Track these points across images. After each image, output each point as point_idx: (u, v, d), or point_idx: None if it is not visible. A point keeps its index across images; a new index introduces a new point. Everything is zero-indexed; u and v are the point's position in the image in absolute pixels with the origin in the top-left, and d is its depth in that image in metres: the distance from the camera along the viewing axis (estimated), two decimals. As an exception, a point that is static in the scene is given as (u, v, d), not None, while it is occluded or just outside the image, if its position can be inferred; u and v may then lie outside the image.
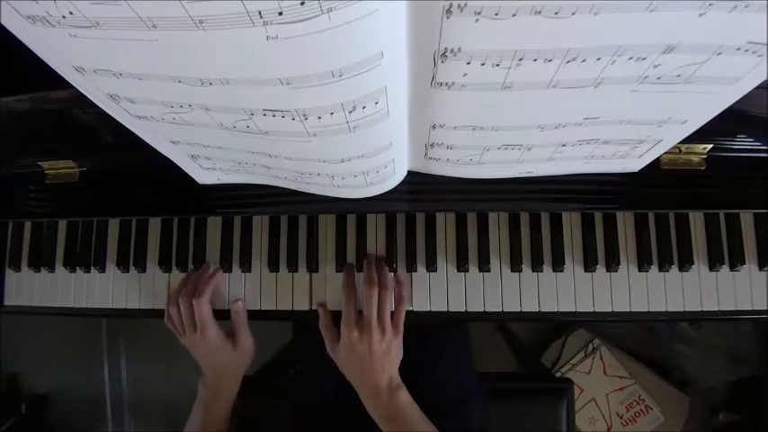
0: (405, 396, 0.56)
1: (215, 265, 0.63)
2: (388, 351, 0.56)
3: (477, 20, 0.26)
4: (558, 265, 0.59)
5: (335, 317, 0.60)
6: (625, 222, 0.60)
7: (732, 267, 0.58)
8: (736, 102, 0.35)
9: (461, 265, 0.60)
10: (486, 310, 0.60)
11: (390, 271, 0.61)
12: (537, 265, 0.59)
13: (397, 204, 0.53)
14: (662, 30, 0.28)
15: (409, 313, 0.59)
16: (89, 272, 0.66)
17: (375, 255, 0.62)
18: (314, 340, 0.65)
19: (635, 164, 0.50)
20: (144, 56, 0.29)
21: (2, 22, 0.27)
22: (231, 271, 0.64)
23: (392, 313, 0.57)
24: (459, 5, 0.26)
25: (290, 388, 0.74)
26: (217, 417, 0.60)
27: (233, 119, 0.36)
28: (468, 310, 0.60)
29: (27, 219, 0.67)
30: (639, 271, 0.59)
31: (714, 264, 0.58)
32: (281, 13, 0.24)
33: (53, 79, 0.32)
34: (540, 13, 0.26)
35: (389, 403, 0.55)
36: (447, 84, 0.33)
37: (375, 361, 0.55)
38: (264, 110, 0.34)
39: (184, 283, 0.61)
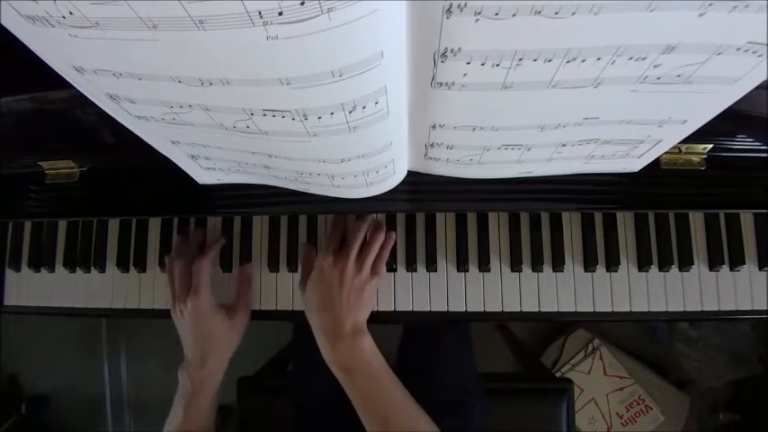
0: (369, 344, 0.50)
1: (216, 230, 0.60)
2: (359, 290, 0.51)
3: (477, 20, 0.26)
4: (558, 265, 0.59)
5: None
6: (625, 222, 0.60)
7: (732, 267, 0.58)
8: (736, 102, 0.35)
9: (461, 265, 0.60)
10: (486, 310, 0.60)
11: (390, 271, 0.61)
12: (537, 265, 0.59)
13: (397, 204, 0.53)
14: (662, 30, 0.28)
15: (410, 313, 0.59)
16: (89, 272, 0.66)
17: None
18: (314, 340, 0.65)
19: (635, 164, 0.50)
20: (144, 56, 0.29)
21: (2, 22, 0.27)
22: (231, 271, 0.64)
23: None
24: (459, 5, 0.26)
25: (289, 388, 0.74)
26: (199, 411, 0.54)
27: (233, 119, 0.36)
28: (468, 310, 0.60)
29: (27, 219, 0.67)
30: (639, 271, 0.59)
31: (714, 264, 0.58)
32: (281, 13, 0.24)
33: (53, 79, 0.32)
34: (540, 13, 0.26)
35: (351, 350, 0.49)
36: (447, 84, 0.33)
37: (342, 295, 0.50)
38: (264, 110, 0.34)
39: (179, 247, 0.58)
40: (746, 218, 0.59)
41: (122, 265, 0.65)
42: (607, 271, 0.59)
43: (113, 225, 0.66)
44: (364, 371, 0.49)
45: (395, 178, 0.50)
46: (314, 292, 0.53)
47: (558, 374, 1.22)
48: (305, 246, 0.59)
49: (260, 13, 0.24)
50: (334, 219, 0.57)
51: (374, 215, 0.58)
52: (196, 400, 0.54)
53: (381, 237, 0.55)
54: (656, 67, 0.31)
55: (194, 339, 0.55)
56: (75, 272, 0.67)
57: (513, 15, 0.26)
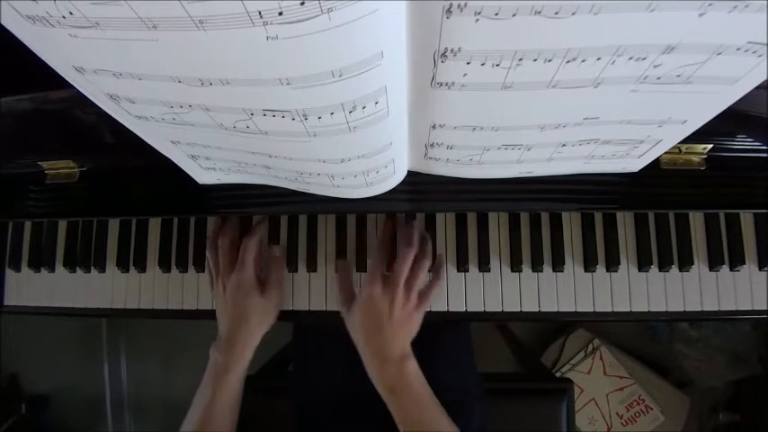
0: (413, 367, 0.53)
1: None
2: (407, 319, 0.53)
3: (477, 20, 0.26)
4: (558, 265, 0.59)
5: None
6: (625, 222, 0.60)
7: (732, 267, 0.58)
8: (736, 102, 0.35)
9: (461, 265, 0.60)
10: (486, 310, 0.60)
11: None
12: (537, 265, 0.59)
13: (397, 204, 0.53)
14: (662, 30, 0.28)
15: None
16: (89, 272, 0.66)
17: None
18: (314, 340, 0.65)
19: (635, 164, 0.50)
20: (144, 56, 0.29)
21: (2, 22, 0.27)
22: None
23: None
24: (459, 5, 0.26)
25: (291, 387, 0.74)
26: (230, 387, 0.55)
27: (233, 119, 0.36)
28: (468, 310, 0.60)
29: (27, 219, 0.67)
30: (639, 271, 0.59)
31: (714, 264, 0.58)
32: (281, 13, 0.24)
33: (53, 79, 0.32)
34: (540, 13, 0.26)
35: (397, 373, 0.52)
36: (447, 84, 0.33)
37: (392, 324, 0.52)
38: (264, 110, 0.34)
39: (220, 226, 0.60)
40: (746, 218, 0.59)
41: (122, 265, 0.65)
42: (607, 271, 0.59)
43: (113, 225, 0.66)
44: (409, 392, 0.51)
45: (395, 178, 0.50)
46: (362, 317, 0.54)
47: (558, 374, 1.22)
48: (341, 264, 0.59)
49: (260, 13, 0.24)
50: (380, 242, 0.57)
51: (425, 235, 0.59)
52: (227, 376, 0.55)
53: (427, 264, 0.55)
54: (656, 67, 0.31)
55: (232, 314, 0.57)
56: (75, 272, 0.67)
57: (513, 15, 0.26)
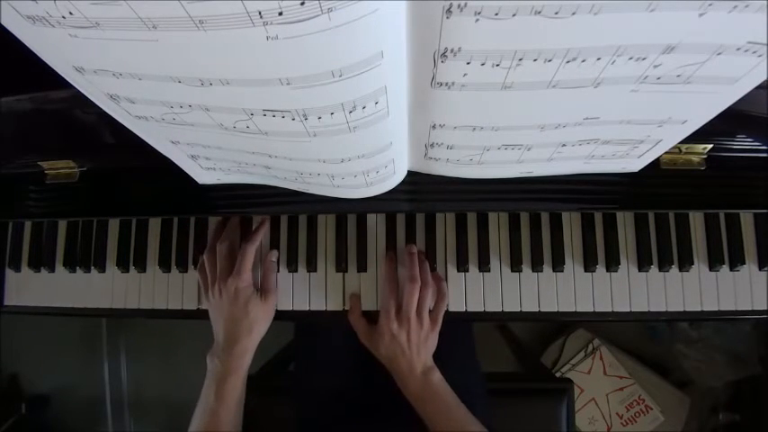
0: (437, 377, 0.57)
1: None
2: (425, 341, 0.57)
3: (477, 20, 0.26)
4: (558, 265, 0.59)
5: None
6: (625, 222, 0.60)
7: (732, 267, 0.58)
8: (736, 102, 0.35)
9: (461, 265, 0.60)
10: (486, 310, 0.60)
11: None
12: (537, 265, 0.59)
13: (397, 204, 0.53)
14: (662, 30, 0.28)
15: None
16: (89, 272, 0.66)
17: (415, 247, 0.61)
18: (315, 340, 0.65)
19: (635, 164, 0.50)
20: (144, 56, 0.29)
21: (2, 22, 0.27)
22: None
23: (431, 310, 0.59)
24: (459, 5, 0.26)
25: (291, 388, 0.74)
26: (233, 391, 0.55)
27: (233, 119, 0.36)
28: (468, 310, 0.60)
29: (27, 219, 0.67)
30: (639, 271, 0.59)
31: (714, 264, 0.58)
32: (281, 14, 0.24)
33: (53, 79, 0.32)
34: (540, 13, 0.26)
35: (423, 385, 0.56)
36: (447, 84, 0.33)
37: (412, 349, 0.57)
38: (264, 110, 0.34)
39: (220, 230, 0.61)
40: (746, 218, 0.59)
41: (122, 265, 0.65)
42: (607, 271, 0.59)
43: (113, 225, 0.66)
44: (435, 399, 0.56)
45: (395, 178, 0.50)
46: (385, 351, 0.58)
47: (558, 374, 1.21)
48: (353, 300, 0.61)
49: (260, 13, 0.24)
50: (385, 280, 0.60)
51: (423, 259, 0.61)
52: (230, 379, 0.55)
53: (431, 290, 0.58)
54: (656, 67, 0.31)
55: (229, 319, 0.57)
56: (75, 272, 0.67)
57: (513, 15, 0.26)
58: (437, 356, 0.61)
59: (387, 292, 0.59)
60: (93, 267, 0.66)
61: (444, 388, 0.57)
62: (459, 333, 0.73)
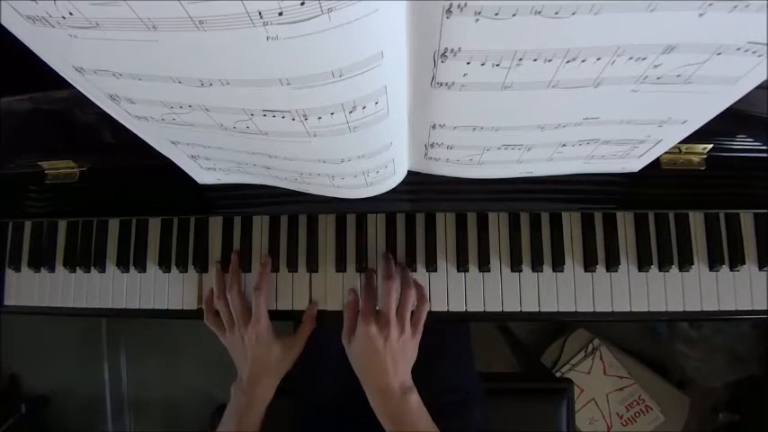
0: (415, 399, 0.54)
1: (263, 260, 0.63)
2: (403, 350, 0.55)
3: (477, 20, 0.26)
4: (557, 265, 0.59)
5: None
6: (625, 222, 0.60)
7: (732, 267, 0.58)
8: (736, 102, 0.35)
9: (461, 265, 0.60)
10: (486, 310, 0.60)
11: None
12: (537, 265, 0.59)
13: (397, 204, 0.53)
14: (662, 30, 0.28)
15: (409, 313, 0.59)
16: (89, 272, 0.66)
17: (395, 256, 0.61)
18: (315, 340, 0.65)
19: (635, 164, 0.50)
20: (144, 56, 0.29)
21: (2, 22, 0.27)
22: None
23: (412, 313, 0.57)
24: (459, 5, 0.26)
25: (292, 388, 0.74)
26: (250, 424, 0.58)
27: (233, 119, 0.36)
28: (468, 310, 0.60)
29: (27, 219, 0.67)
30: (639, 271, 0.59)
31: (714, 264, 0.58)
32: (281, 14, 0.24)
33: (53, 79, 0.32)
34: (540, 13, 0.26)
35: (399, 405, 0.53)
36: (447, 84, 0.33)
37: (389, 358, 0.54)
38: (264, 110, 0.34)
39: (221, 278, 0.61)
40: (746, 218, 0.59)
41: (122, 265, 0.65)
42: (607, 271, 0.59)
43: (113, 225, 0.66)
44: (410, 422, 0.53)
45: (395, 178, 0.50)
46: (360, 354, 0.56)
47: (558, 374, 1.22)
48: (351, 294, 0.60)
49: (260, 13, 0.24)
50: (366, 278, 0.60)
51: (402, 263, 0.60)
52: (250, 414, 0.58)
53: (412, 291, 0.57)
54: (656, 67, 0.31)
55: (251, 363, 0.59)
56: (75, 272, 0.67)
57: (513, 15, 0.26)
58: (434, 357, 0.61)
59: (366, 296, 0.58)
60: (93, 267, 0.66)
61: (421, 412, 0.54)
62: (456, 333, 0.73)
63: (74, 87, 0.34)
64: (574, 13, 0.26)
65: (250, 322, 0.58)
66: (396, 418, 0.53)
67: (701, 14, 0.26)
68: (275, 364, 0.59)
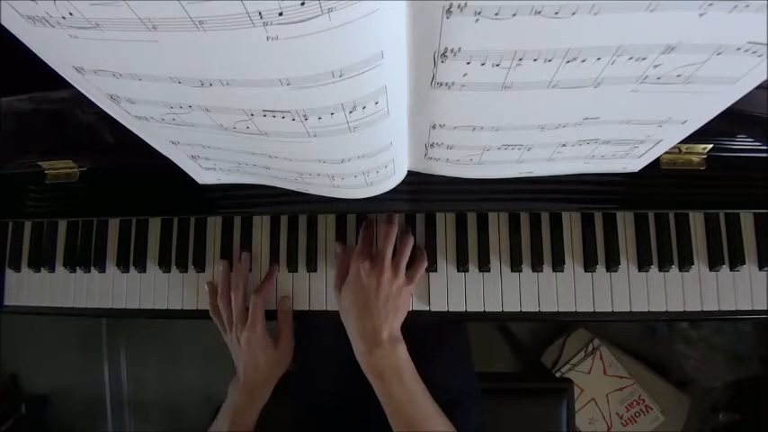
0: (403, 352, 0.51)
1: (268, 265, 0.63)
2: (396, 296, 0.52)
3: (477, 20, 0.26)
4: (558, 265, 0.59)
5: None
6: (625, 222, 0.60)
7: (732, 267, 0.58)
8: (736, 102, 0.35)
9: (461, 265, 0.60)
10: (486, 310, 0.60)
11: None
12: (537, 265, 0.59)
13: (397, 204, 0.53)
14: (662, 30, 0.28)
15: (410, 313, 0.59)
16: (89, 272, 0.66)
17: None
18: (314, 340, 0.65)
19: (635, 164, 0.50)
20: (144, 57, 0.29)
21: (2, 22, 0.27)
22: (231, 270, 0.64)
23: (409, 264, 0.56)
24: (459, 5, 0.26)
25: (291, 388, 0.74)
26: (245, 424, 0.58)
27: (233, 120, 0.36)
28: (468, 310, 0.60)
29: (27, 219, 0.67)
30: (639, 271, 0.59)
31: (714, 264, 0.58)
32: (281, 14, 0.24)
33: (53, 79, 0.32)
34: (540, 13, 0.26)
35: (386, 357, 0.51)
36: (447, 84, 0.33)
37: (380, 302, 0.51)
38: (264, 110, 0.34)
39: (227, 277, 0.61)
40: (746, 218, 0.59)
41: (122, 265, 0.65)
42: (607, 271, 0.59)
43: (113, 225, 0.66)
44: (397, 377, 0.50)
45: (395, 178, 0.50)
46: (351, 297, 0.54)
47: (558, 374, 1.22)
48: (339, 245, 0.59)
49: (260, 13, 0.24)
50: (365, 224, 0.59)
51: (406, 228, 0.60)
52: (245, 414, 0.58)
53: (410, 240, 0.56)
54: (656, 67, 0.31)
55: (247, 365, 0.59)
56: (75, 272, 0.67)
57: (513, 15, 0.26)
58: (432, 357, 0.60)
59: (363, 237, 0.56)
60: (93, 267, 0.66)
61: (410, 366, 0.51)
62: (453, 333, 0.73)
63: (74, 87, 0.34)
64: (574, 14, 0.26)
65: (246, 325, 0.58)
66: (381, 372, 0.51)
67: (701, 14, 0.26)
68: (269, 367, 0.60)
